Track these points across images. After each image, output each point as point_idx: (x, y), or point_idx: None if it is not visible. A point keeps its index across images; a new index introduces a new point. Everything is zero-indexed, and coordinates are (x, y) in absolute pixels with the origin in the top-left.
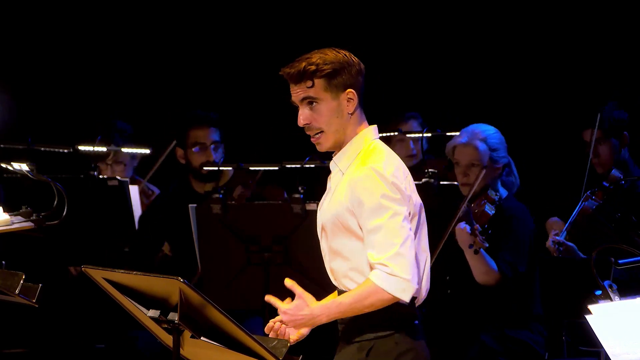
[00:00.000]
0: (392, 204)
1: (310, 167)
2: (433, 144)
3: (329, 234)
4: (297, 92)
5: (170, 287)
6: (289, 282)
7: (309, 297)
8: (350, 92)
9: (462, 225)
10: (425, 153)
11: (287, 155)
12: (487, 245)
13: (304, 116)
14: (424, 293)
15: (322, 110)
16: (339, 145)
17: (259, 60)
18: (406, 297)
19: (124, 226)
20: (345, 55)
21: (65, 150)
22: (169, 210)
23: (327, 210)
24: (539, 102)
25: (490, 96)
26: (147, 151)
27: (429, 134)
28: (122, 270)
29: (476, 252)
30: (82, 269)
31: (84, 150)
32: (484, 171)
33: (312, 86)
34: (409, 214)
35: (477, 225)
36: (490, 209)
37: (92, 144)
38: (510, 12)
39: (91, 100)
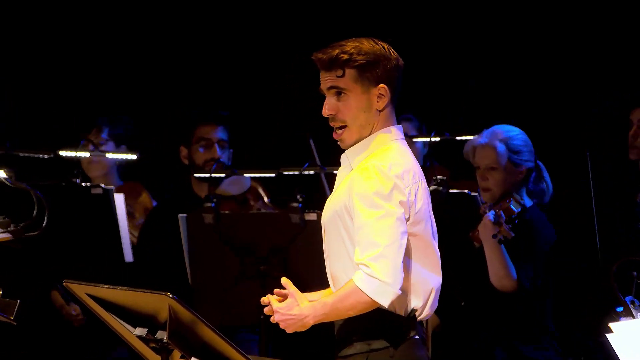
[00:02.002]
0: (384, 202)
1: (309, 174)
2: (439, 149)
3: (329, 235)
4: (325, 80)
5: (159, 303)
6: (284, 280)
7: (300, 297)
8: (383, 88)
9: (488, 214)
10: (430, 158)
11: (285, 161)
12: (513, 234)
13: (329, 106)
14: (429, 311)
15: (349, 103)
16: None
17: (254, 60)
18: (384, 302)
19: (109, 237)
20: (383, 47)
21: (46, 156)
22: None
23: (329, 208)
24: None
25: (503, 97)
26: (134, 157)
27: (437, 138)
28: (107, 286)
29: (500, 241)
30: (64, 283)
31: (66, 155)
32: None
33: (342, 76)
34: (408, 219)
35: (502, 212)
36: (515, 207)
37: (75, 148)
38: (522, 9)
39: (74, 102)
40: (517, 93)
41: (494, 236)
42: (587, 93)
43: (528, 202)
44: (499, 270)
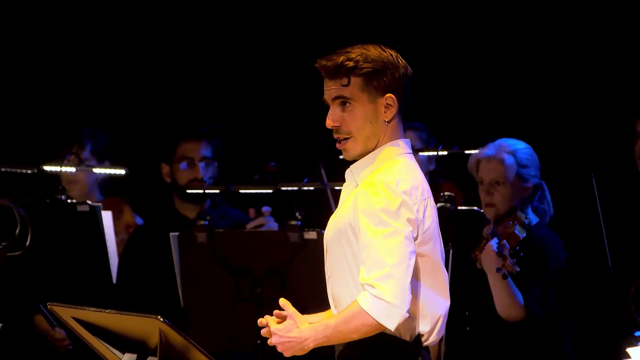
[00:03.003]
0: (392, 220)
1: (309, 190)
2: (446, 164)
3: (331, 254)
4: (330, 89)
5: (149, 327)
6: (282, 301)
7: (300, 318)
8: (390, 98)
9: (491, 242)
10: (438, 174)
11: (283, 176)
12: (518, 269)
13: (333, 117)
14: (435, 336)
15: (355, 113)
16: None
17: (250, 67)
18: (391, 325)
19: (96, 257)
20: (390, 55)
21: (29, 171)
22: (152, 239)
23: (332, 226)
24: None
25: (514, 108)
26: (122, 172)
27: (445, 152)
28: (94, 308)
29: (505, 276)
30: (48, 306)
31: (51, 170)
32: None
33: (348, 84)
34: (416, 238)
35: (505, 242)
36: (520, 232)
37: (60, 163)
38: (533, 16)
39: (59, 114)
40: (526, 104)
41: (498, 270)
42: (588, 99)
43: (534, 219)
44: (504, 300)
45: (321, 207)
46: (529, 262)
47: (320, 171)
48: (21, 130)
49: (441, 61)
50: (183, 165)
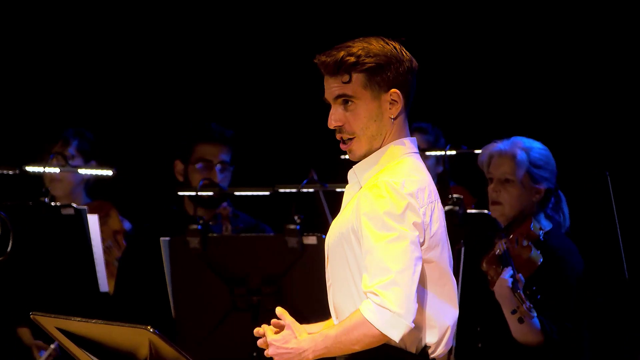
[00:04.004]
0: (397, 224)
1: (308, 192)
2: (454, 165)
3: (333, 260)
4: (331, 88)
5: (138, 337)
6: (279, 310)
7: (298, 328)
8: (395, 93)
9: (505, 275)
10: (447, 175)
11: (281, 178)
12: (535, 315)
13: (336, 116)
14: (443, 348)
15: (358, 112)
16: None
17: (246, 68)
18: (396, 336)
19: (82, 264)
20: (394, 48)
21: (11, 172)
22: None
23: (334, 230)
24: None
25: (527, 105)
26: (109, 173)
27: (453, 152)
28: (79, 318)
29: (520, 320)
30: (31, 316)
31: (34, 171)
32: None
33: (349, 81)
34: (422, 243)
35: (521, 276)
36: (537, 256)
37: (43, 164)
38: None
39: (42, 113)
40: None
41: (513, 312)
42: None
43: (547, 225)
44: (520, 331)
45: (322, 210)
46: (544, 277)
47: (313, 177)
48: (2, 130)
49: (449, 53)
50: (199, 165)
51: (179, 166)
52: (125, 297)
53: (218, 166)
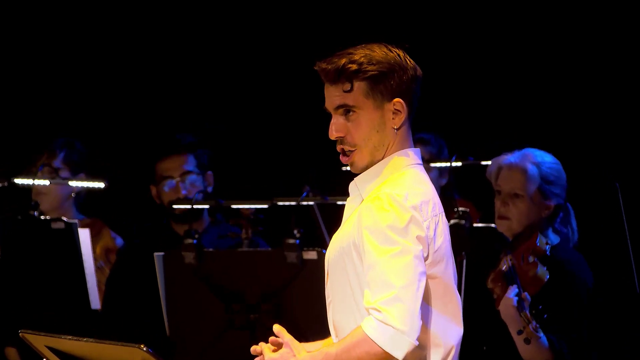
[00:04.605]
0: (400, 238)
1: (308, 205)
2: (460, 177)
3: (333, 276)
4: (332, 97)
5: (131, 356)
6: (277, 328)
7: (297, 346)
8: (399, 103)
9: (510, 294)
10: (452, 188)
11: (280, 190)
12: (541, 335)
13: (337, 127)
14: None
15: (360, 122)
16: None
17: (243, 76)
18: (399, 354)
19: (73, 280)
20: (397, 55)
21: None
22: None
23: (334, 245)
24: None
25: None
26: (101, 185)
27: (459, 163)
28: (70, 336)
29: (527, 341)
30: (20, 334)
31: (22, 184)
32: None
33: (351, 90)
34: (426, 258)
35: (527, 294)
36: (543, 273)
37: (32, 176)
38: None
39: (31, 124)
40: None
41: (519, 332)
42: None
43: (555, 239)
44: (526, 348)
45: (317, 225)
46: (552, 291)
47: (316, 212)
48: None
49: (453, 58)
50: (166, 185)
51: (153, 190)
52: (116, 315)
53: (186, 178)
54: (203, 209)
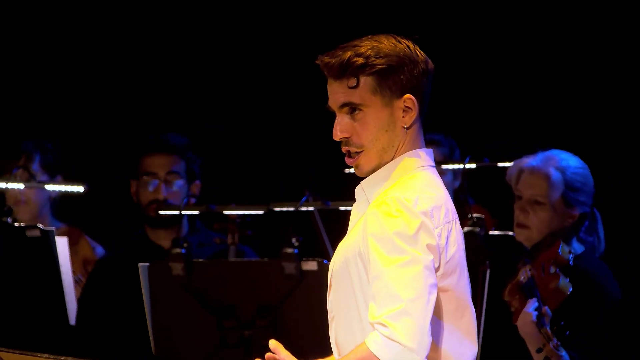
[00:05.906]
0: (409, 246)
1: (307, 211)
2: (474, 180)
3: (336, 289)
4: (336, 94)
5: None
6: (273, 344)
7: None
8: (409, 99)
9: (529, 308)
10: (466, 192)
11: (277, 195)
12: (563, 354)
13: (342, 126)
14: None
15: (367, 121)
16: None
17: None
18: None
19: (49, 293)
20: (407, 47)
21: None
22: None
23: (339, 254)
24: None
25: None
26: (80, 189)
27: (473, 165)
28: (47, 355)
29: (547, 359)
30: None
31: None
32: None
33: (356, 86)
34: (437, 269)
35: (547, 309)
36: (566, 285)
37: (7, 179)
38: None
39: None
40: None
41: (538, 350)
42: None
43: (579, 249)
44: None
45: (317, 233)
46: (576, 309)
47: (316, 218)
48: None
49: (466, 51)
50: (149, 183)
51: (133, 186)
52: (96, 331)
53: (156, 180)
54: (192, 216)
